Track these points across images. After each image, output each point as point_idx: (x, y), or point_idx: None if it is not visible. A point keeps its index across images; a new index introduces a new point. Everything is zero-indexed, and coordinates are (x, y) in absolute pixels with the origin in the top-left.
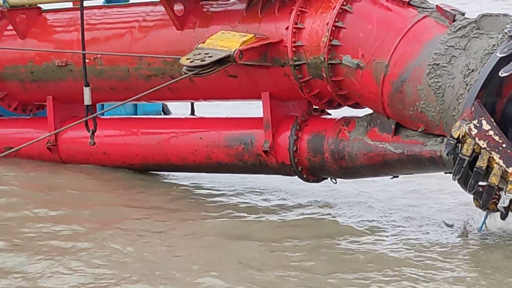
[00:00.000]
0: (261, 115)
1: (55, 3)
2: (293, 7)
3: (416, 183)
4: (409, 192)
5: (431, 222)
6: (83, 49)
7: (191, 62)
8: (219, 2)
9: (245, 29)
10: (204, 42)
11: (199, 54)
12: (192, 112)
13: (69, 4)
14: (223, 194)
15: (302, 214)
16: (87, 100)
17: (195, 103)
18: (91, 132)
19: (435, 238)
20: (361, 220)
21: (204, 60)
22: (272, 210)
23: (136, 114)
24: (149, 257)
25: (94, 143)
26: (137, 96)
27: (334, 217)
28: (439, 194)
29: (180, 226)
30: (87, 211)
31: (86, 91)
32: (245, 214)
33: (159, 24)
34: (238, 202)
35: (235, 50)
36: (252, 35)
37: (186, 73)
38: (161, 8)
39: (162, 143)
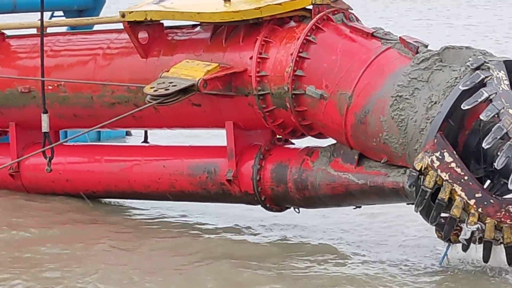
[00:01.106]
0: (225, 144)
1: (19, 29)
2: (257, 37)
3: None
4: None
5: (404, 244)
6: (42, 76)
7: (155, 90)
8: (183, 30)
9: (209, 58)
10: (168, 71)
11: (163, 82)
12: (145, 140)
13: (34, 30)
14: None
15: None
16: (45, 127)
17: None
18: (48, 159)
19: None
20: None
21: (168, 89)
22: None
23: (99, 140)
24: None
25: (51, 170)
26: (101, 125)
27: (304, 238)
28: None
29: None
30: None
31: (44, 118)
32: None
33: (123, 52)
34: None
35: (199, 79)
36: (217, 64)
37: (150, 102)
38: (125, 35)
39: (125, 171)
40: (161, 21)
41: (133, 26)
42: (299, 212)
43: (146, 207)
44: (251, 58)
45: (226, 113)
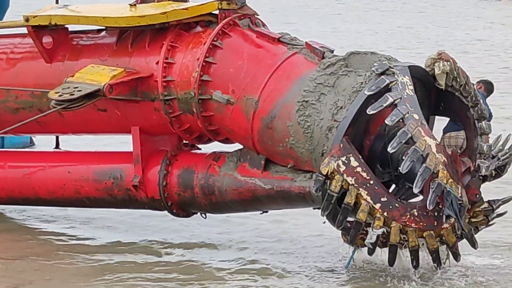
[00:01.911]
0: (131, 149)
1: None
2: (163, 42)
3: None
4: None
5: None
6: None
7: (59, 96)
8: (89, 35)
9: (115, 63)
10: (73, 76)
11: (68, 88)
12: (57, 146)
13: None
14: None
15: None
16: None
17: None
18: None
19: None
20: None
21: (73, 94)
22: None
23: (3, 147)
24: None
25: None
26: (4, 130)
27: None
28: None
29: None
30: None
31: None
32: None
33: (27, 56)
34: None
35: (105, 84)
36: (122, 69)
37: (55, 107)
38: (29, 40)
39: (29, 177)
40: (66, 26)
41: (37, 31)
42: (205, 218)
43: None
44: (157, 63)
45: (132, 118)
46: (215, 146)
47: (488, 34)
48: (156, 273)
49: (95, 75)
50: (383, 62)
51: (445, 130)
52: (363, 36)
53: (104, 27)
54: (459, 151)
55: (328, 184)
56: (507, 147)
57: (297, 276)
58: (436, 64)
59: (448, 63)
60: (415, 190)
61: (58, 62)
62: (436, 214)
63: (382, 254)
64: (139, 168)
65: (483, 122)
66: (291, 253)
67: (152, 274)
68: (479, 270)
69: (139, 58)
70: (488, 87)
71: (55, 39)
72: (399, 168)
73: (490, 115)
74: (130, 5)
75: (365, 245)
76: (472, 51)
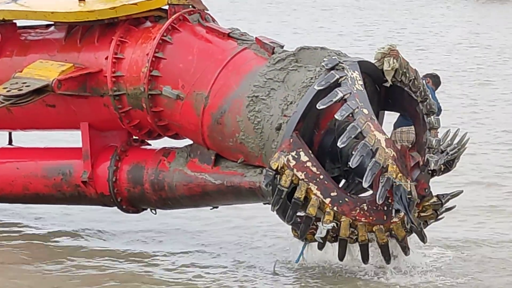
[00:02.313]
0: (80, 145)
1: None
2: (113, 37)
3: None
4: None
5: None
6: None
7: (7, 91)
8: (37, 30)
9: (64, 58)
10: (21, 71)
11: (16, 83)
12: (10, 142)
13: None
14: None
15: None
16: None
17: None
18: None
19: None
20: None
21: (21, 90)
22: None
23: None
24: None
25: None
26: None
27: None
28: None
29: None
30: None
31: None
32: None
33: None
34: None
35: (54, 79)
36: (71, 64)
37: (3, 103)
38: None
39: None
40: (14, 21)
41: None
42: (155, 213)
43: None
44: (106, 58)
45: (81, 114)
46: (165, 142)
47: (438, 30)
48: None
49: (44, 70)
50: (333, 57)
51: (396, 125)
52: (318, 34)
53: (53, 22)
54: (410, 146)
55: (278, 179)
56: (456, 141)
57: (248, 270)
58: (385, 59)
59: (397, 59)
60: (365, 185)
61: (6, 58)
62: (385, 208)
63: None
64: (88, 164)
65: (432, 117)
66: (245, 245)
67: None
68: (430, 265)
69: (88, 53)
70: (435, 81)
71: (3, 34)
72: (348, 162)
73: (440, 109)
74: (79, 0)
75: (315, 240)
76: (423, 46)
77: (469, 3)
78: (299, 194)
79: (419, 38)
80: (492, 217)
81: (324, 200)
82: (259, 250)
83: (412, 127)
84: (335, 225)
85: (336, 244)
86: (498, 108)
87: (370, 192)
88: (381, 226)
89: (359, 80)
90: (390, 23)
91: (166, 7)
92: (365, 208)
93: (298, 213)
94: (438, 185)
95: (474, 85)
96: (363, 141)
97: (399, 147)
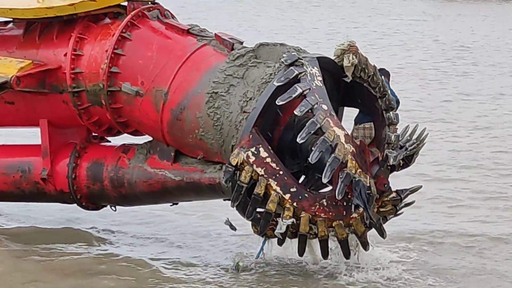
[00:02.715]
0: (40, 142)
1: None
2: (72, 34)
3: None
4: None
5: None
6: None
7: None
8: None
9: (22, 55)
10: None
11: None
12: None
13: None
14: None
15: None
16: None
17: None
18: None
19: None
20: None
21: None
22: None
23: None
24: None
25: None
26: None
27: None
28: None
29: None
30: None
31: None
32: None
33: None
34: None
35: (12, 76)
36: (30, 61)
37: None
38: None
39: None
40: None
41: None
42: (115, 210)
43: None
44: (65, 55)
45: (40, 111)
46: (125, 138)
47: (396, 28)
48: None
49: (2, 67)
50: (292, 53)
51: (357, 120)
52: (279, 31)
53: (11, 19)
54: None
55: (238, 175)
56: (414, 137)
57: (206, 268)
58: (345, 55)
59: (357, 55)
60: (324, 180)
61: None
62: (345, 204)
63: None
64: (48, 161)
65: (391, 113)
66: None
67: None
68: (391, 261)
69: (47, 50)
70: (384, 72)
71: None
72: (308, 158)
73: (398, 102)
74: None
75: (275, 236)
76: (381, 44)
77: (428, 1)
78: (259, 190)
79: (378, 36)
80: (441, 209)
81: (283, 195)
82: (217, 247)
83: None
84: (294, 220)
85: (296, 240)
86: (454, 104)
87: (330, 187)
88: (341, 222)
89: (318, 76)
90: (349, 22)
91: (125, 3)
92: (325, 203)
93: (258, 209)
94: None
95: (432, 82)
96: (322, 137)
97: (358, 143)
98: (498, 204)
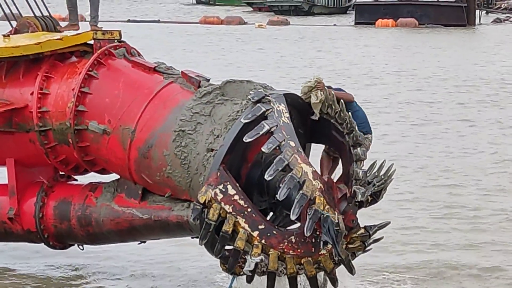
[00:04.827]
0: (6, 181)
1: None
2: (38, 72)
3: None
4: None
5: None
6: None
7: None
8: None
9: None
10: None
11: None
12: None
13: None
14: None
15: None
16: None
17: None
18: None
19: None
20: None
21: None
22: None
23: None
24: None
25: None
26: None
27: None
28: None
29: None
30: None
31: None
32: None
33: None
34: None
35: None
36: None
37: None
38: None
39: None
40: None
41: None
42: (83, 249)
43: None
44: (32, 93)
45: (7, 150)
46: (92, 177)
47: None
48: None
49: None
50: (259, 90)
51: None
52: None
53: None
54: None
55: (206, 212)
56: (382, 173)
57: None
58: (312, 92)
59: (324, 91)
60: (293, 217)
61: None
62: (313, 240)
63: (262, 281)
64: (15, 200)
65: (359, 148)
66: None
67: None
68: None
69: (13, 89)
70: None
71: None
72: (276, 195)
73: (366, 118)
74: (4, 35)
75: (244, 273)
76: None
77: (392, 31)
78: (227, 227)
79: (344, 68)
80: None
81: (252, 233)
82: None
83: (369, 135)
84: (263, 258)
85: (265, 277)
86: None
87: (298, 224)
88: (309, 259)
89: (286, 112)
90: (307, 54)
91: (92, 42)
92: (293, 240)
93: (227, 247)
94: None
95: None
96: (290, 174)
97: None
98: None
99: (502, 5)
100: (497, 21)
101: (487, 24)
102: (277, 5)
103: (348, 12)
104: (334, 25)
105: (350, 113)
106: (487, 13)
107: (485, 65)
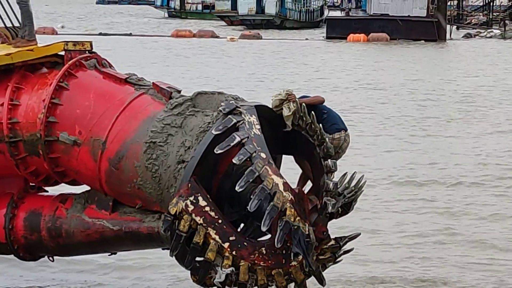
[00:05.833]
0: None
1: None
2: (8, 83)
3: None
4: None
5: None
6: None
7: None
8: None
9: None
10: None
11: None
12: None
13: None
14: None
15: None
16: None
17: None
18: None
19: None
20: None
21: None
22: None
23: None
24: None
25: None
26: None
27: None
28: None
29: None
30: None
31: None
32: None
33: None
34: None
35: None
36: None
37: None
38: None
39: None
40: None
41: None
42: (53, 261)
43: None
44: (2, 104)
45: None
46: (63, 188)
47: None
48: None
49: None
50: (230, 102)
51: (325, 131)
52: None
53: None
54: (340, 152)
55: (176, 224)
56: (352, 184)
57: None
58: (285, 105)
59: (295, 103)
60: (263, 229)
61: None
62: (284, 252)
63: None
64: None
65: (329, 160)
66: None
67: None
68: None
69: None
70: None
71: None
72: (247, 206)
73: (343, 123)
74: None
75: (214, 285)
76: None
77: (363, 46)
78: (198, 239)
79: (313, 80)
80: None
81: (222, 244)
82: None
83: (342, 132)
84: (234, 269)
85: None
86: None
87: (269, 236)
88: (280, 270)
89: (257, 124)
90: (278, 68)
91: (63, 53)
92: (264, 252)
93: (197, 258)
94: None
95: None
96: (261, 185)
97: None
98: None
99: (473, 21)
100: (467, 36)
101: (458, 39)
102: (249, 19)
103: (320, 26)
104: (306, 39)
105: (325, 115)
106: (457, 28)
107: (455, 79)
